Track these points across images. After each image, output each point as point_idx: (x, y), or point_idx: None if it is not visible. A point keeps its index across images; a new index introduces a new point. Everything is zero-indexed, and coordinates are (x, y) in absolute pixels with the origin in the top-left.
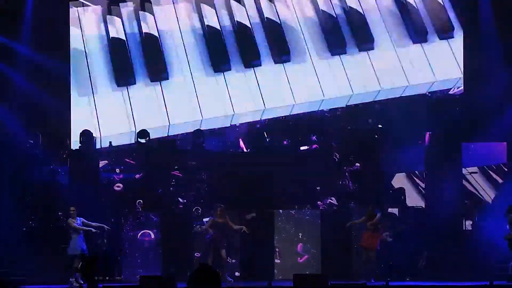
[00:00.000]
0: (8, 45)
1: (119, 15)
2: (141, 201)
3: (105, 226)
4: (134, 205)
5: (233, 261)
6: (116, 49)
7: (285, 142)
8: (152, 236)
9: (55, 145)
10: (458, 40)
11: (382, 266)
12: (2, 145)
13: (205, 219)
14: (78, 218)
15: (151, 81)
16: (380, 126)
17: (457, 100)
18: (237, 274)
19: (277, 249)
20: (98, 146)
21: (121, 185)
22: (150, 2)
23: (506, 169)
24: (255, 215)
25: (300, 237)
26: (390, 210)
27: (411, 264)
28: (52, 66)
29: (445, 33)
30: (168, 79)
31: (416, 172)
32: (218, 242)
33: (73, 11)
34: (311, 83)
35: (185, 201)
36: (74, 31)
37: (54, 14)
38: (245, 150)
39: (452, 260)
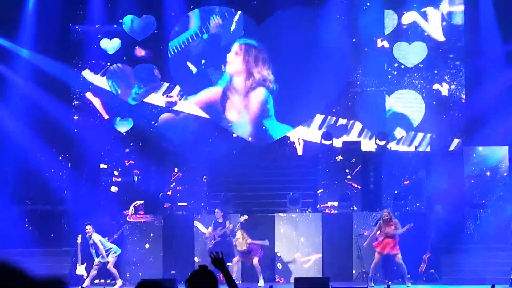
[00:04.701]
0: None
1: None
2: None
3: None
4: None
5: (229, 264)
6: None
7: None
8: None
9: (57, 149)
10: None
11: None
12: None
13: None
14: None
15: None
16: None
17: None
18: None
19: (278, 254)
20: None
21: (116, 188)
22: None
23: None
24: (247, 217)
25: (302, 240)
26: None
27: (412, 267)
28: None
29: None
30: None
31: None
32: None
33: None
34: None
35: (186, 204)
36: None
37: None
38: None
39: (454, 263)
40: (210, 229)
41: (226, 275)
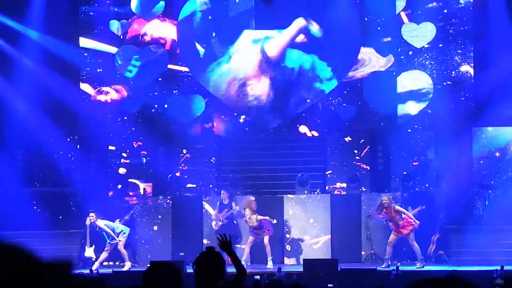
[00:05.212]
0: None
1: None
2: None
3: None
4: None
5: (242, 246)
6: None
7: None
8: None
9: (65, 131)
10: None
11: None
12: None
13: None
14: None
15: None
16: None
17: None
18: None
19: (287, 235)
20: None
21: (125, 169)
22: None
23: None
24: (254, 198)
25: (310, 222)
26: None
27: (421, 248)
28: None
29: None
30: None
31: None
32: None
33: None
34: None
35: (194, 186)
36: None
37: None
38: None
39: (463, 244)
40: (216, 210)
41: (233, 258)
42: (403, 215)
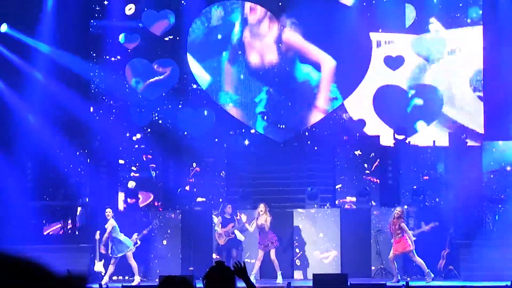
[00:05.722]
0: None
1: None
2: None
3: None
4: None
5: (252, 261)
6: None
7: None
8: None
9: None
10: None
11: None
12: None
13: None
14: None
15: None
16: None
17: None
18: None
19: (297, 250)
20: None
21: (134, 183)
22: None
23: None
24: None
25: (320, 236)
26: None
27: (431, 263)
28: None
29: None
30: None
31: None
32: (266, 245)
33: None
34: None
35: (204, 199)
36: None
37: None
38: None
39: (473, 259)
40: (219, 225)
41: (248, 284)
42: (405, 234)
